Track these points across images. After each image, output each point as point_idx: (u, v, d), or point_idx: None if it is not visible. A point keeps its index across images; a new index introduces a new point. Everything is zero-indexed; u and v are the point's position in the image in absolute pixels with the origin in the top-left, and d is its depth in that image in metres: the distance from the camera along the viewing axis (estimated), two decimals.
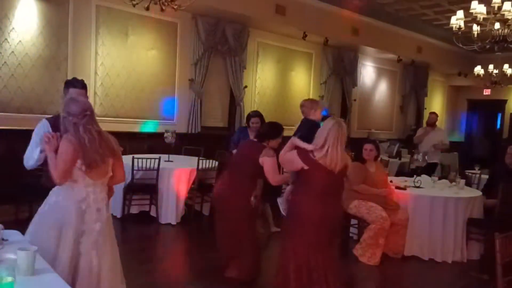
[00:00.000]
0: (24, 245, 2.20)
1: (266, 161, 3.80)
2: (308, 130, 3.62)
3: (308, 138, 3.39)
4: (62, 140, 2.57)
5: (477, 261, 4.84)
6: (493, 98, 13.33)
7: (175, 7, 4.54)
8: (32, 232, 2.59)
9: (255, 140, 4.10)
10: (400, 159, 9.19)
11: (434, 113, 8.25)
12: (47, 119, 3.20)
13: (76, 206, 2.55)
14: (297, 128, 4.75)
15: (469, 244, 4.97)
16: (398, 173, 8.21)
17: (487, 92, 13.03)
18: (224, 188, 4.02)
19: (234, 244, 3.94)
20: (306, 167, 3.23)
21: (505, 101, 13.46)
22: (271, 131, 4.01)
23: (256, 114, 5.55)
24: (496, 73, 9.70)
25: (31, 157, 2.98)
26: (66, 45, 6.33)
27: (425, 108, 12.87)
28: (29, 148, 3.04)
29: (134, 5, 4.40)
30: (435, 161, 7.58)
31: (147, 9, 4.56)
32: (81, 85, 3.21)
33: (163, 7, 4.44)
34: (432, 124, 7.86)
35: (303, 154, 3.28)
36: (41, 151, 2.91)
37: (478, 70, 9.88)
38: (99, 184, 2.63)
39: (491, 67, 9.63)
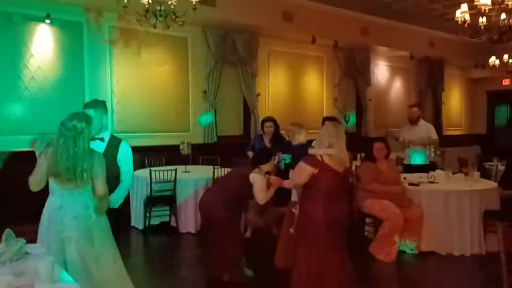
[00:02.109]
0: (47, 258, 2.37)
1: (257, 179, 3.98)
2: (298, 155, 3.74)
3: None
4: (44, 150, 2.75)
5: (496, 253, 4.79)
6: None
7: (180, 23, 4.73)
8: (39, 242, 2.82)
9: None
10: None
11: (414, 106, 6.95)
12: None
13: (54, 215, 2.75)
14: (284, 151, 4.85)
15: (487, 236, 4.94)
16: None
17: (506, 82, 12.80)
18: (209, 200, 4.14)
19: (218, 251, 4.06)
20: (315, 171, 3.33)
21: None
22: (259, 156, 4.21)
23: (269, 118, 5.77)
24: (511, 63, 9.57)
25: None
26: (82, 67, 6.62)
27: (443, 103, 12.73)
28: None
29: (141, 25, 4.60)
30: (422, 163, 6.24)
31: (154, 27, 4.76)
32: (94, 105, 3.44)
33: (169, 25, 4.62)
34: (413, 120, 6.54)
35: (310, 160, 3.39)
36: None
37: (493, 60, 9.77)
38: (75, 194, 2.73)
39: (506, 56, 9.51)
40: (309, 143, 4.45)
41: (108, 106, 6.74)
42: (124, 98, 7.06)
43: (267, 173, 4.20)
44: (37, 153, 2.85)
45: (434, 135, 6.44)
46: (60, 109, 6.39)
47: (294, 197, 4.27)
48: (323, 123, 4.30)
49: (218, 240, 4.03)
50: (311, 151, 3.43)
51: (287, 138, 4.93)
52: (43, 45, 6.29)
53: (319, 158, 3.36)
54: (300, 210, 3.57)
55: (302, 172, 3.38)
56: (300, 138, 3.92)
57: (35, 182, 2.71)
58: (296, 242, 3.53)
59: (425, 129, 6.49)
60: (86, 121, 2.78)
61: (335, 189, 3.40)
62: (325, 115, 9.77)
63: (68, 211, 2.72)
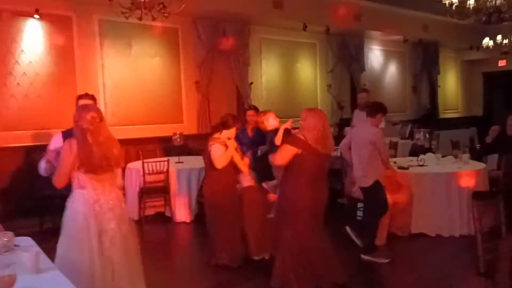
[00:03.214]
0: (33, 249, 2.43)
1: (211, 149, 4.07)
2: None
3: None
4: (63, 145, 2.78)
5: (484, 234, 4.86)
6: (510, 68, 13.01)
7: (166, 14, 4.74)
8: (63, 245, 2.74)
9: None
10: (412, 139, 9.13)
11: (361, 90, 6.38)
12: (62, 132, 3.50)
13: (91, 209, 2.74)
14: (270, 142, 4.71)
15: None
16: (412, 154, 8.20)
17: (502, 63, 12.75)
18: (205, 183, 4.31)
19: (222, 232, 4.15)
20: (299, 151, 3.38)
21: None
22: (223, 121, 4.25)
23: (250, 107, 5.82)
24: (505, 43, 9.54)
25: (40, 166, 3.26)
26: (73, 61, 6.65)
27: (439, 86, 12.71)
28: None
29: (126, 18, 4.62)
30: None
31: (140, 19, 4.78)
32: (88, 96, 3.56)
33: (154, 16, 4.64)
34: (362, 105, 6.14)
35: (294, 140, 3.42)
36: (46, 162, 3.19)
37: (487, 42, 9.74)
38: (107, 185, 2.81)
39: (499, 37, 9.48)
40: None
41: (100, 99, 6.87)
42: (116, 91, 7.09)
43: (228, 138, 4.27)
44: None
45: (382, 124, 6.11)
46: (53, 104, 6.45)
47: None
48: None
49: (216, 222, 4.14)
50: (294, 132, 3.49)
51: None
52: (33, 41, 6.31)
53: (303, 138, 3.41)
54: (281, 194, 3.61)
55: (286, 152, 3.41)
56: (270, 123, 3.97)
57: (59, 179, 2.73)
58: (278, 226, 3.58)
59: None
60: (98, 109, 2.87)
61: (317, 170, 3.46)
62: (319, 102, 9.84)
63: (103, 203, 2.77)
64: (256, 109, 5.72)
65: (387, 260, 4.29)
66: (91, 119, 2.74)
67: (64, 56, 6.57)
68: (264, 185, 4.28)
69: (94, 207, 2.74)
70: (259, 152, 5.24)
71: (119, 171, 2.98)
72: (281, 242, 3.52)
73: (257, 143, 5.36)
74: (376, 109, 4.45)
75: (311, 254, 3.48)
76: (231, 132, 4.25)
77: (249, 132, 5.55)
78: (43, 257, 2.38)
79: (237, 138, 5.69)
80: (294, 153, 3.38)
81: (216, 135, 4.23)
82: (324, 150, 3.42)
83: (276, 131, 3.77)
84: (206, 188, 4.29)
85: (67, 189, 2.84)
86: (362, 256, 4.35)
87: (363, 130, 4.49)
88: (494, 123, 13.21)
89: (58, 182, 2.74)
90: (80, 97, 3.61)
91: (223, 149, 4.11)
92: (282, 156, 3.44)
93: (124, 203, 2.93)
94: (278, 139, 3.65)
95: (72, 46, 6.64)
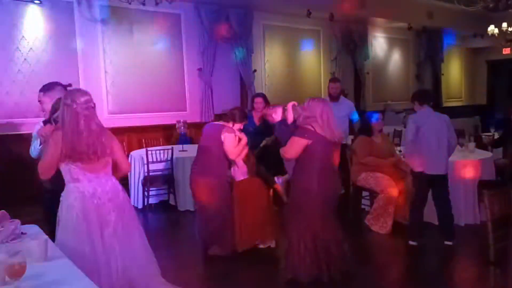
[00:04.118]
0: (40, 237, 2.41)
1: (226, 137, 4.03)
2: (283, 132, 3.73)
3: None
4: (52, 134, 2.66)
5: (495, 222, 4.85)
6: None
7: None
8: (61, 240, 2.66)
9: (217, 122, 4.32)
10: None
11: (334, 80, 6.11)
12: (43, 121, 3.44)
13: (90, 203, 2.66)
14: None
15: (481, 206, 4.98)
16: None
17: (506, 51, 12.62)
18: (196, 171, 4.20)
19: (212, 222, 4.13)
20: (309, 142, 3.38)
21: None
22: (232, 115, 4.21)
23: (259, 94, 5.71)
24: (510, 31, 9.44)
25: (34, 149, 3.27)
26: (75, 48, 6.57)
27: (443, 74, 12.62)
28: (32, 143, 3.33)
29: (129, 2, 4.55)
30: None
31: (143, 3, 4.70)
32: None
33: (157, 1, 4.56)
34: (334, 96, 5.77)
35: (302, 132, 3.42)
36: (40, 144, 3.17)
37: (492, 29, 9.63)
38: (102, 175, 2.72)
39: (504, 25, 9.37)
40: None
41: (102, 87, 6.82)
42: (118, 78, 7.03)
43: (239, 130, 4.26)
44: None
45: (356, 114, 5.90)
46: None
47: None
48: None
49: (210, 210, 4.10)
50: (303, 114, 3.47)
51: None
52: (34, 27, 6.24)
53: (311, 128, 3.39)
54: (294, 185, 3.61)
55: (296, 145, 3.41)
56: (278, 114, 3.92)
57: (45, 169, 2.61)
58: (289, 216, 3.57)
59: (348, 107, 5.86)
60: (90, 94, 2.74)
61: (328, 158, 3.46)
62: (322, 90, 9.76)
63: (101, 195, 2.70)
64: (264, 96, 5.63)
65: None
66: (86, 103, 2.63)
67: (65, 43, 6.49)
68: (277, 179, 4.26)
69: (93, 201, 2.67)
70: (263, 142, 5.18)
71: (120, 158, 2.86)
72: (293, 231, 3.51)
73: (264, 133, 5.26)
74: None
75: (321, 242, 3.49)
76: (237, 126, 4.22)
77: (256, 121, 5.47)
78: (51, 245, 2.36)
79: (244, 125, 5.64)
80: (305, 145, 3.38)
81: (229, 124, 4.18)
82: (332, 138, 3.40)
83: (283, 121, 3.73)
84: (197, 176, 4.18)
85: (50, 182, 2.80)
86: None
87: (439, 116, 4.45)
88: (497, 111, 13.29)
89: (44, 173, 2.62)
90: (65, 88, 3.47)
91: (236, 141, 4.09)
92: (293, 149, 3.44)
93: (122, 191, 2.84)
94: (290, 116, 3.58)
95: (73, 32, 6.56)
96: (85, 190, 2.67)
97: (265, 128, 5.31)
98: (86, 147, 2.62)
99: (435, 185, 4.33)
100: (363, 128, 5.21)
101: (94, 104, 2.72)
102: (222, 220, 4.14)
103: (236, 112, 4.26)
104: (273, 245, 4.33)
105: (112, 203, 2.74)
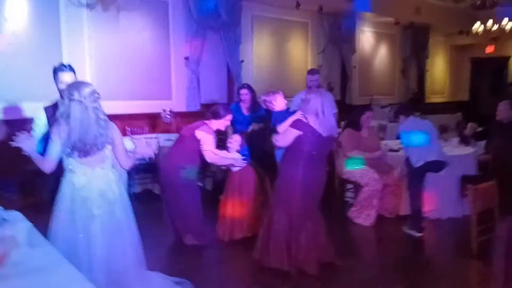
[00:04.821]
0: (23, 224, 2.37)
1: (202, 136, 3.99)
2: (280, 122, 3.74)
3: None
4: (56, 126, 2.63)
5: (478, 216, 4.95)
6: (497, 55, 13.12)
7: None
8: (54, 223, 2.69)
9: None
10: None
11: (313, 72, 5.75)
12: (44, 108, 3.35)
13: (78, 194, 2.64)
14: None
15: (464, 200, 5.07)
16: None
17: (489, 49, 12.83)
18: (167, 162, 4.20)
19: (182, 213, 4.13)
20: (300, 133, 3.42)
21: (508, 58, 13.25)
22: (213, 112, 4.19)
23: (244, 86, 5.66)
24: (495, 29, 9.57)
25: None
26: (58, 32, 6.40)
27: (427, 70, 12.76)
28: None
29: None
30: None
31: None
32: (69, 68, 3.35)
33: None
34: (313, 89, 5.48)
35: (296, 123, 3.46)
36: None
37: (477, 27, 9.75)
38: (97, 169, 2.68)
39: (489, 23, 9.49)
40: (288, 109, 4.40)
41: (87, 73, 6.68)
42: (103, 65, 6.89)
43: (219, 131, 4.23)
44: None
45: (335, 108, 5.63)
46: (37, 77, 6.24)
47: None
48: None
49: (181, 201, 4.09)
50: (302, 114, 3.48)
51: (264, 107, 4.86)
52: (17, 10, 6.05)
53: (305, 120, 3.42)
54: (279, 173, 3.63)
55: (288, 135, 3.45)
56: (278, 103, 3.91)
57: (50, 166, 2.62)
58: (274, 205, 3.58)
59: (327, 100, 5.62)
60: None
61: (316, 150, 3.48)
62: None
63: (92, 188, 2.66)
64: (249, 87, 5.59)
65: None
66: (91, 94, 2.61)
67: (49, 28, 6.32)
68: None
69: (82, 193, 2.64)
70: (250, 128, 5.18)
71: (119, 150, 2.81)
72: (272, 216, 3.52)
73: (253, 122, 5.28)
74: None
75: (301, 233, 3.51)
76: (221, 123, 4.17)
77: (245, 111, 5.46)
78: (36, 232, 2.32)
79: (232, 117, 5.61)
80: (296, 135, 3.41)
81: (209, 122, 4.14)
82: (325, 132, 3.42)
83: (282, 112, 3.75)
84: (167, 165, 4.18)
85: None
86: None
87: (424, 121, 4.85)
88: (480, 109, 13.52)
89: (48, 168, 2.62)
90: (57, 69, 3.31)
91: (212, 140, 4.06)
92: (285, 138, 3.47)
93: (118, 187, 2.79)
94: (282, 128, 3.57)
95: (57, 16, 6.39)
96: (77, 182, 2.65)
97: (255, 118, 5.33)
98: (93, 140, 2.59)
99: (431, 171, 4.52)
100: (351, 121, 5.24)
101: (99, 93, 2.68)
102: (192, 211, 4.12)
103: (217, 108, 4.23)
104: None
105: (103, 199, 2.70)
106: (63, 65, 3.37)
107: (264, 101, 4.07)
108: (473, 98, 14.25)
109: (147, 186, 6.04)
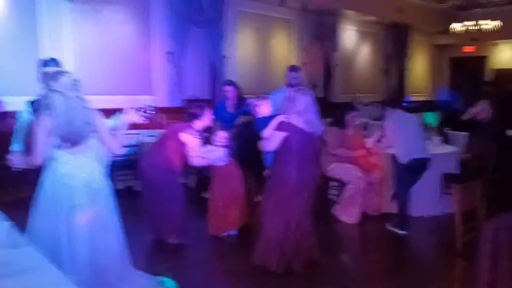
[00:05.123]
0: (4, 223, 2.28)
1: (188, 140, 3.95)
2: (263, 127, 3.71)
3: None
4: (39, 118, 2.55)
5: (453, 214, 5.02)
6: (475, 55, 13.38)
7: None
8: (33, 215, 2.62)
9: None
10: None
11: (295, 69, 5.26)
12: (31, 101, 3.25)
13: (60, 182, 2.57)
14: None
15: (444, 198, 5.15)
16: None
17: (467, 49, 13.07)
18: (150, 160, 4.13)
19: (164, 212, 4.08)
20: (285, 134, 3.41)
21: (486, 58, 13.52)
22: (193, 114, 4.13)
23: (228, 83, 5.62)
24: (474, 30, 9.75)
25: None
26: (38, 26, 6.23)
27: (408, 69, 12.91)
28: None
29: None
30: None
31: None
32: (54, 62, 3.28)
33: None
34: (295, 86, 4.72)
35: (281, 126, 3.44)
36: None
37: (454, 27, 9.91)
38: (81, 157, 2.62)
39: (469, 23, 9.67)
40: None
41: (66, 66, 6.49)
42: (83, 58, 6.74)
43: (205, 131, 4.19)
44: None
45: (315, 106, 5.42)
46: (15, 71, 6.06)
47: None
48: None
49: (164, 201, 4.03)
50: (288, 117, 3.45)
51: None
52: None
53: (288, 122, 3.41)
54: (271, 174, 3.62)
55: (275, 138, 3.44)
56: (262, 111, 3.89)
57: (38, 159, 2.54)
58: (267, 205, 3.56)
59: (311, 98, 5.16)
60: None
61: (304, 149, 3.48)
62: None
63: (76, 177, 2.58)
64: (234, 84, 5.54)
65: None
66: (73, 83, 2.57)
67: (29, 19, 6.13)
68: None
69: (63, 181, 2.57)
70: (239, 120, 5.16)
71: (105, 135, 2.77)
72: (268, 220, 3.50)
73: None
74: None
75: (295, 232, 3.51)
76: (204, 120, 4.14)
77: (229, 108, 5.41)
78: (15, 231, 2.23)
79: (217, 114, 5.57)
80: (282, 137, 3.41)
81: (192, 124, 4.09)
82: (311, 129, 3.42)
83: (265, 118, 3.73)
84: (150, 164, 4.11)
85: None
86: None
87: (410, 115, 4.81)
88: (458, 108, 13.72)
89: (37, 161, 2.54)
90: (44, 64, 3.29)
91: (198, 143, 4.03)
92: (272, 141, 3.46)
93: (102, 177, 2.74)
94: (267, 133, 3.52)
95: (37, 8, 6.21)
96: (59, 171, 2.57)
97: (240, 114, 5.30)
98: (79, 129, 2.54)
99: (417, 170, 4.53)
100: (336, 120, 5.25)
101: (78, 81, 2.62)
102: (175, 209, 4.06)
103: (194, 109, 4.16)
104: (233, 233, 4.35)
105: (87, 188, 2.63)
106: (48, 59, 3.29)
107: (251, 104, 4.05)
108: (451, 98, 14.47)
109: (129, 183, 5.93)
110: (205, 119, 4.15)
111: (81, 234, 2.59)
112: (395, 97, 5.20)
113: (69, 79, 2.57)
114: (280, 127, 3.43)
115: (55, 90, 2.53)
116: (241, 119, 5.17)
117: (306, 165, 3.49)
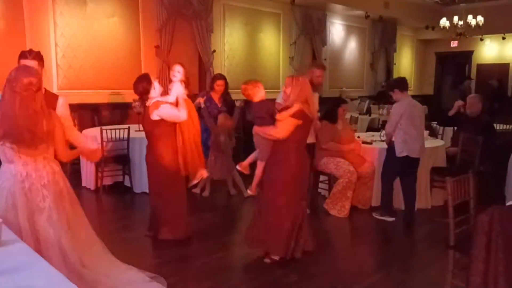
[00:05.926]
0: None
1: (162, 107, 3.79)
2: (262, 111, 3.71)
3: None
4: None
5: (441, 207, 5.10)
6: (461, 50, 13.54)
7: None
8: None
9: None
10: (370, 115, 9.38)
11: (323, 67, 5.07)
12: None
13: (19, 187, 2.48)
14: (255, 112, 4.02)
15: (433, 191, 5.21)
16: (369, 129, 8.42)
17: (454, 44, 13.22)
18: (147, 155, 4.10)
19: (161, 205, 4.04)
20: (300, 122, 3.43)
21: (471, 52, 13.70)
22: (144, 91, 4.04)
23: (221, 77, 5.68)
24: (461, 25, 9.85)
25: None
26: (22, 17, 6.10)
27: (395, 64, 13.01)
28: None
29: None
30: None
31: None
32: (33, 55, 3.12)
33: None
34: (319, 85, 4.99)
35: (298, 114, 3.41)
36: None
37: (444, 22, 10.01)
38: (39, 159, 2.54)
39: (455, 18, 9.76)
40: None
41: (52, 60, 6.40)
42: (69, 52, 6.62)
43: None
44: None
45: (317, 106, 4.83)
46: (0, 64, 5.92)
47: None
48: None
49: (166, 193, 4.01)
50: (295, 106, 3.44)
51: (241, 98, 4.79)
52: None
53: (302, 109, 3.45)
54: (272, 164, 3.60)
55: (290, 125, 3.42)
56: (260, 93, 3.83)
57: None
58: (269, 195, 3.57)
59: (316, 97, 4.68)
60: (39, 75, 2.52)
61: (305, 137, 3.60)
62: (281, 74, 9.75)
63: (35, 179, 2.49)
64: (225, 78, 5.66)
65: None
66: (28, 85, 2.39)
67: (12, 11, 6.00)
68: (239, 167, 4.14)
69: (24, 184, 2.48)
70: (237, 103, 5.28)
71: (58, 147, 2.64)
72: (276, 211, 3.52)
73: (227, 112, 5.30)
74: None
75: (298, 222, 3.59)
76: (164, 95, 4.07)
77: (217, 102, 5.48)
78: (5, 228, 2.17)
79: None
80: (296, 124, 3.42)
81: (160, 98, 3.95)
82: (313, 118, 3.64)
83: (261, 103, 3.71)
84: (146, 156, 4.08)
85: None
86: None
87: (419, 105, 4.77)
88: (443, 102, 13.91)
89: None
90: (23, 55, 3.07)
91: (170, 106, 3.87)
92: (287, 128, 3.43)
93: (63, 178, 2.66)
94: (283, 116, 3.47)
95: (21, 1, 6.07)
96: (18, 173, 2.48)
97: (227, 107, 5.41)
98: (21, 129, 2.40)
99: (408, 167, 4.60)
100: (327, 114, 5.25)
101: (38, 87, 2.46)
102: (171, 203, 4.02)
103: (140, 86, 4.03)
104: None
105: (47, 190, 2.54)
106: (27, 52, 3.16)
107: (245, 89, 3.97)
108: (437, 92, 14.67)
109: (118, 179, 5.85)
110: (160, 93, 4.01)
111: (47, 239, 2.51)
112: (400, 79, 4.95)
113: (27, 80, 2.43)
114: (297, 115, 3.41)
115: (9, 82, 2.43)
116: (239, 102, 5.24)
117: (304, 155, 3.59)
